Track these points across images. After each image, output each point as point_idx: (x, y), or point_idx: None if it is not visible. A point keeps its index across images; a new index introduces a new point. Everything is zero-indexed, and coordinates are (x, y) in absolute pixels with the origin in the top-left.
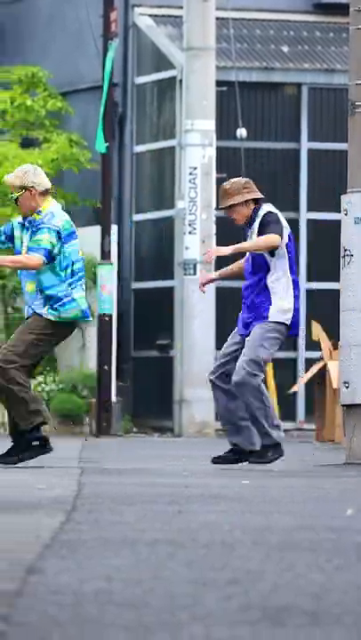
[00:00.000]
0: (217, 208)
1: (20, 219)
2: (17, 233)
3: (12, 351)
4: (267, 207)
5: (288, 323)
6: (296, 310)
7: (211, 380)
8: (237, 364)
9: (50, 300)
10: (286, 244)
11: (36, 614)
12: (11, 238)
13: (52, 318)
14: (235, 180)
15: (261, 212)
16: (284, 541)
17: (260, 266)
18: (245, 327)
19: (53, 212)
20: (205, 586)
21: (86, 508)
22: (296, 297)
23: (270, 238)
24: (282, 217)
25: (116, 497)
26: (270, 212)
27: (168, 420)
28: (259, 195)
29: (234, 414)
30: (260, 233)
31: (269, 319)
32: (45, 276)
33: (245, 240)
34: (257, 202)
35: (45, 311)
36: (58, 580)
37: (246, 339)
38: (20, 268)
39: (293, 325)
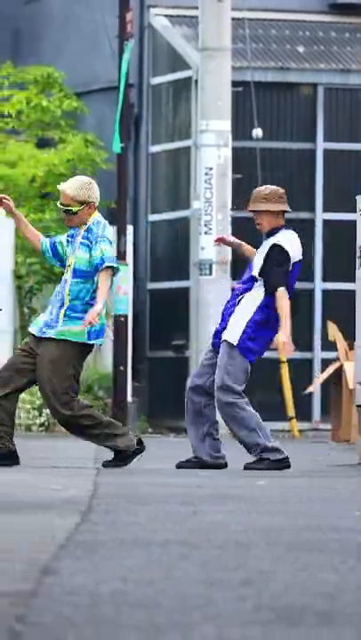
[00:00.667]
0: (238, 208)
1: (62, 237)
2: (62, 248)
3: None
4: (282, 236)
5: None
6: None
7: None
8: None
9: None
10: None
11: (51, 615)
12: (56, 254)
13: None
14: (272, 187)
15: (279, 237)
16: (298, 542)
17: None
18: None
19: (104, 223)
20: (217, 586)
21: (102, 509)
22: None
23: (279, 301)
24: (291, 245)
25: (131, 497)
26: (280, 249)
27: (184, 420)
28: (289, 209)
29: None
30: (264, 262)
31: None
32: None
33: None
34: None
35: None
36: (73, 580)
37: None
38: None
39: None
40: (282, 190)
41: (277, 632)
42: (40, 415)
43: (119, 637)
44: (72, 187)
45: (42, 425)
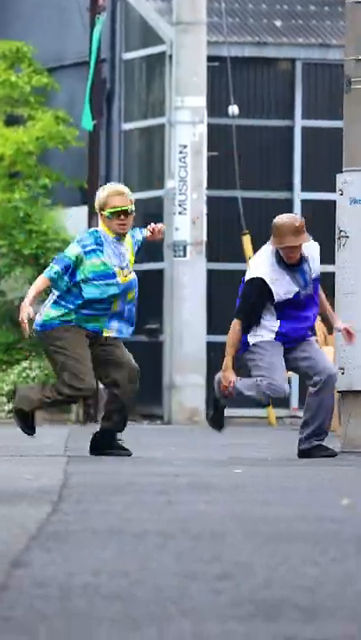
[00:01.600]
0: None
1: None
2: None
3: None
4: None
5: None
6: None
7: None
8: None
9: None
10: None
11: (21, 608)
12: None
13: None
14: (295, 216)
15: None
16: (277, 532)
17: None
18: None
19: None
20: (195, 579)
21: (73, 499)
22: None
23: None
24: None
25: (103, 486)
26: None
27: (157, 406)
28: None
29: None
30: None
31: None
32: None
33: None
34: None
35: None
36: (44, 572)
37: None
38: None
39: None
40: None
41: (256, 627)
42: (9, 402)
43: (93, 630)
44: (126, 190)
45: (10, 412)
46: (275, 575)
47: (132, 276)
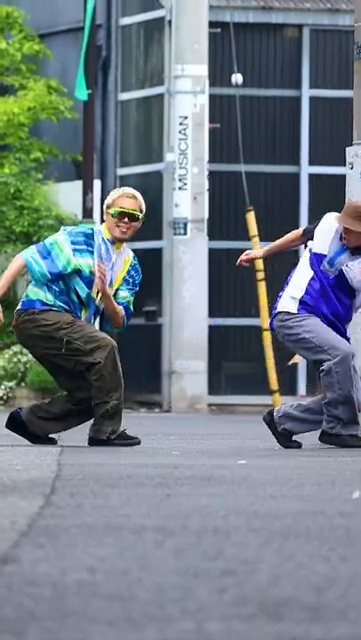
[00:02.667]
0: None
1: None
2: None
3: None
4: None
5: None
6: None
7: None
8: None
9: None
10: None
11: (11, 608)
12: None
13: None
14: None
15: None
16: (284, 527)
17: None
18: None
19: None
20: (197, 577)
21: (67, 491)
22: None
23: None
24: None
25: (98, 478)
26: None
27: (156, 393)
28: None
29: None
30: None
31: None
32: None
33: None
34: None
35: None
36: (35, 570)
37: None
38: (110, 315)
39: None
40: None
41: (261, 626)
42: None
43: (88, 632)
44: (139, 199)
45: (1, 399)
46: (281, 573)
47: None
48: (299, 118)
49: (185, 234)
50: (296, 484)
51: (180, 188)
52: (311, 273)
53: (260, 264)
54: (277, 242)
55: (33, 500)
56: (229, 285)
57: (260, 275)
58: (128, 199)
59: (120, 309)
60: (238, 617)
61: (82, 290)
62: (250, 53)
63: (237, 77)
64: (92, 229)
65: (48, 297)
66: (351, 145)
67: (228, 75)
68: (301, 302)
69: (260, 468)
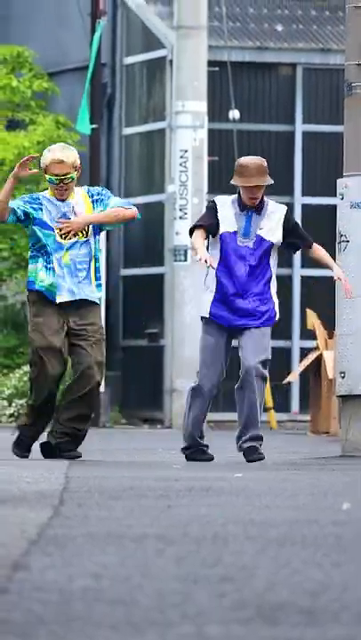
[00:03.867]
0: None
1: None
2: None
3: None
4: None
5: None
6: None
7: None
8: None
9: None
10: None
11: (21, 612)
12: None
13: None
14: (258, 158)
15: (275, 204)
16: (280, 536)
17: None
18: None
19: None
20: (196, 583)
21: (74, 503)
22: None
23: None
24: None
25: (103, 491)
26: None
27: (158, 411)
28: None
29: None
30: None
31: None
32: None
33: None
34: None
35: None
36: (44, 576)
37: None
38: (115, 221)
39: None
40: None
41: (259, 630)
42: (10, 405)
43: (92, 635)
44: (68, 154)
45: (11, 415)
46: (277, 578)
47: (82, 237)
48: (292, 152)
49: (185, 260)
50: (290, 494)
51: (180, 218)
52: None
53: None
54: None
55: (42, 510)
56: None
57: None
58: (58, 165)
59: (116, 210)
60: (237, 621)
61: (45, 237)
62: (246, 90)
63: (235, 113)
64: (38, 195)
65: (39, 275)
66: (342, 177)
67: (225, 110)
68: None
69: (256, 480)
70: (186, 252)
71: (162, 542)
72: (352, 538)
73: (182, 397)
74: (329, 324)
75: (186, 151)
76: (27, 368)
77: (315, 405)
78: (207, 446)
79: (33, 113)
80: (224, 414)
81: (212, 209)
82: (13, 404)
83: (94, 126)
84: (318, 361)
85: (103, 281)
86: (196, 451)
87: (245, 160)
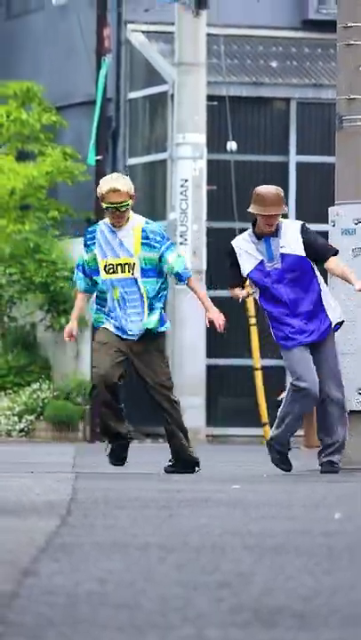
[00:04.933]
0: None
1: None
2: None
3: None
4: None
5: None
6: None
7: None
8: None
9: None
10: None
11: (31, 615)
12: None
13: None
14: (274, 188)
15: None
16: (274, 545)
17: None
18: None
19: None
20: (196, 588)
21: (81, 513)
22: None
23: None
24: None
25: (109, 501)
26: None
27: (160, 426)
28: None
29: None
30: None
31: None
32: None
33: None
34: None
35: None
36: (52, 581)
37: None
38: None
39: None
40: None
41: (255, 633)
42: (20, 421)
43: (98, 637)
44: (123, 182)
45: (22, 431)
46: (272, 584)
47: (129, 274)
48: (287, 181)
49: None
50: (285, 506)
51: (181, 243)
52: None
53: (251, 310)
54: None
55: (50, 520)
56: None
57: (252, 320)
58: (114, 194)
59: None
60: (234, 624)
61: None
62: (243, 123)
63: (232, 145)
64: (96, 225)
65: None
66: (333, 205)
67: (223, 142)
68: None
69: (253, 492)
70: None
71: (164, 550)
72: (343, 547)
73: (182, 413)
74: None
75: (186, 180)
76: (36, 386)
77: (308, 421)
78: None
79: (42, 145)
80: (224, 429)
81: (232, 257)
82: (24, 420)
83: (99, 157)
84: None
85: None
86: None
87: (263, 190)
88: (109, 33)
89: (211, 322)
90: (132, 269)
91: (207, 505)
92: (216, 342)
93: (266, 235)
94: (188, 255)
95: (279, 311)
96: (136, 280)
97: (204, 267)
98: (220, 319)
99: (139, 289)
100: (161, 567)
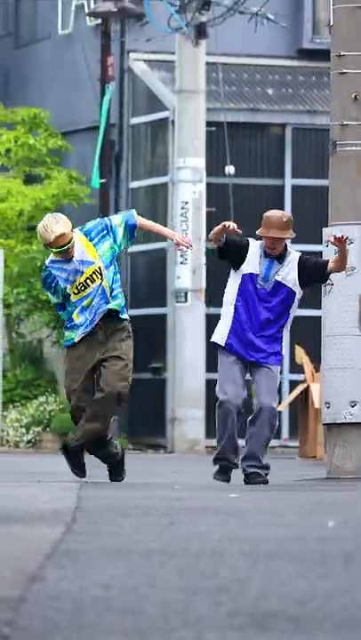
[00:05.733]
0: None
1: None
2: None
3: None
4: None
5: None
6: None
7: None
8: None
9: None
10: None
11: (37, 619)
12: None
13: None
14: (283, 213)
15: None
16: (270, 551)
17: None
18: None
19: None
20: (196, 593)
21: (85, 520)
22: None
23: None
24: None
25: (112, 509)
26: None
27: (161, 437)
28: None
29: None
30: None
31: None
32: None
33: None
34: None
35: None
36: (58, 587)
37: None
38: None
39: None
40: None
41: (252, 636)
42: (27, 433)
43: None
44: (62, 224)
45: (29, 442)
46: (268, 589)
47: (99, 281)
48: (282, 203)
49: (186, 301)
50: (280, 513)
51: (181, 263)
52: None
53: None
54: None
55: (56, 527)
56: None
57: None
58: (61, 239)
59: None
60: (232, 627)
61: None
62: (241, 148)
63: (230, 169)
64: (46, 268)
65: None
66: (327, 226)
67: (222, 166)
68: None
69: (250, 500)
70: (186, 294)
71: (165, 556)
72: (336, 553)
73: (182, 425)
74: (316, 358)
75: (186, 203)
76: (43, 398)
77: (303, 432)
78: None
79: (48, 168)
80: None
81: (246, 242)
82: (31, 432)
83: (103, 180)
84: (306, 392)
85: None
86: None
87: (270, 213)
88: (113, 62)
89: (178, 244)
90: (100, 274)
91: (206, 513)
92: (215, 357)
93: (271, 256)
94: (188, 274)
95: (246, 324)
96: (101, 283)
97: (204, 285)
98: (184, 238)
99: (104, 288)
100: (162, 572)
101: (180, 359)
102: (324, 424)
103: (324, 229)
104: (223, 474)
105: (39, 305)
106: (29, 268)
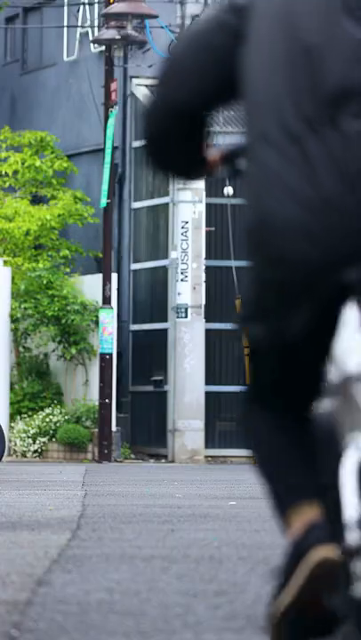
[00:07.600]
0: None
1: None
2: None
3: None
4: None
5: None
6: None
7: None
8: None
9: None
10: None
11: (44, 622)
12: None
13: None
14: None
15: None
16: (267, 556)
17: None
18: None
19: None
20: (195, 597)
21: (90, 527)
22: None
23: None
24: None
25: (115, 516)
26: None
27: (162, 447)
28: None
29: None
30: None
31: None
32: None
33: None
34: None
35: None
36: (64, 591)
37: None
38: None
39: None
40: None
41: (249, 638)
42: (34, 443)
43: None
44: None
45: (36, 451)
46: (265, 593)
47: None
48: None
49: (186, 317)
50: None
51: (182, 280)
52: None
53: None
54: None
55: (62, 534)
56: (222, 359)
57: (247, 350)
58: None
59: None
60: (230, 630)
61: None
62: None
63: (229, 190)
64: None
65: None
66: None
67: (221, 188)
68: None
69: (247, 508)
70: (186, 310)
71: (166, 561)
72: None
73: (183, 436)
74: None
75: (186, 222)
76: (49, 410)
77: None
78: None
79: (54, 189)
80: (221, 450)
81: None
82: (37, 442)
83: (108, 201)
84: None
85: (115, 335)
86: None
87: None
88: (116, 87)
89: None
90: None
91: (205, 520)
92: (214, 370)
93: None
94: (188, 291)
95: None
96: None
97: (203, 301)
98: None
99: None
100: (164, 577)
101: (180, 372)
102: None
103: None
104: None
105: (45, 320)
106: (36, 285)
